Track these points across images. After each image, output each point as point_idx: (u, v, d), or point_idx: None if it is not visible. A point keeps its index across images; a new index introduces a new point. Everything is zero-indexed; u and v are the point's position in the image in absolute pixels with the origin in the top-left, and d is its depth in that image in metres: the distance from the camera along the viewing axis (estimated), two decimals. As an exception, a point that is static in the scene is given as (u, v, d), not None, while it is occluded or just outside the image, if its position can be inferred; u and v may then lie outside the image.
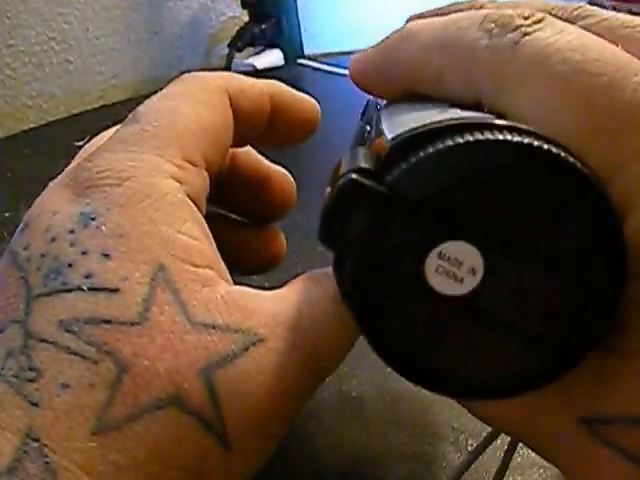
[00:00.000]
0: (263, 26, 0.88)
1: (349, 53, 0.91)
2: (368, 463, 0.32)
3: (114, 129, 0.28)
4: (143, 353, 0.21)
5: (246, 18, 0.90)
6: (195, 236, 0.24)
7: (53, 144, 0.79)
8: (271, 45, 0.91)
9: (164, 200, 0.24)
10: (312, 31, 0.98)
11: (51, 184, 0.26)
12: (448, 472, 0.32)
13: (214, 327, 0.23)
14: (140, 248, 0.23)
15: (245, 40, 0.88)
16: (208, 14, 0.99)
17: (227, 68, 0.88)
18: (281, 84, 0.31)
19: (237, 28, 0.90)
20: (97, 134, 0.30)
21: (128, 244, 0.23)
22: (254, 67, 0.88)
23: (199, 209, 0.26)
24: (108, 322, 0.22)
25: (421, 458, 0.32)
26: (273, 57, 0.90)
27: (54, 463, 0.20)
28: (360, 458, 0.33)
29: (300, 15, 0.93)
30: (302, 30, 0.94)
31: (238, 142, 0.30)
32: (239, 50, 0.88)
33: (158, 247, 0.23)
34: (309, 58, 0.92)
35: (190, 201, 0.25)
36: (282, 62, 0.91)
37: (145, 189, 0.24)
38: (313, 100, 0.32)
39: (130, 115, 0.27)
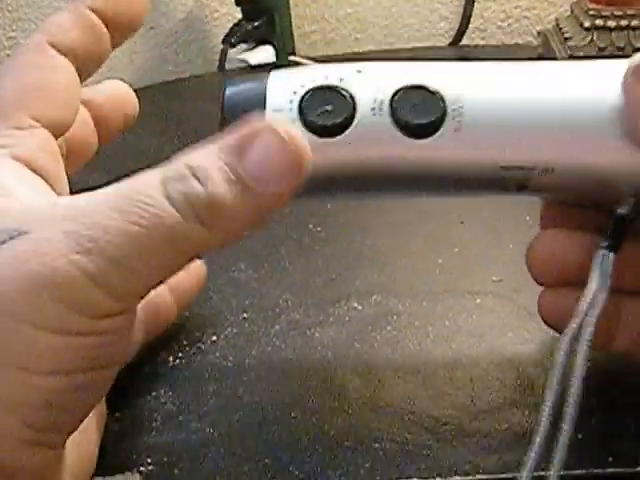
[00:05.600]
0: (256, 23, 0.88)
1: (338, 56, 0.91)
2: (349, 449, 0.32)
3: None
4: None
5: (239, 15, 0.90)
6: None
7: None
8: (263, 42, 0.90)
9: None
10: (303, 29, 0.97)
11: None
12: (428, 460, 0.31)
13: None
14: None
15: (238, 36, 0.87)
16: (203, 11, 0.98)
17: (221, 63, 0.87)
18: None
19: (231, 25, 0.89)
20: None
21: None
22: (247, 63, 0.87)
23: (34, 163, 0.27)
24: None
25: (401, 445, 0.32)
26: (265, 53, 0.90)
27: None
28: (341, 444, 0.32)
29: (292, 13, 0.93)
30: (293, 28, 0.93)
31: (93, 60, 0.32)
32: (232, 46, 0.87)
33: None
34: (300, 55, 0.91)
35: (12, 160, 0.27)
36: (274, 58, 0.90)
37: None
38: None
39: None
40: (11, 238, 0.23)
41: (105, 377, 0.26)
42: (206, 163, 0.25)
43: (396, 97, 0.29)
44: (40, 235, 0.23)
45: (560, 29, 0.67)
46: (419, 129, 0.29)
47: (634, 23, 0.63)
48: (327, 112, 0.29)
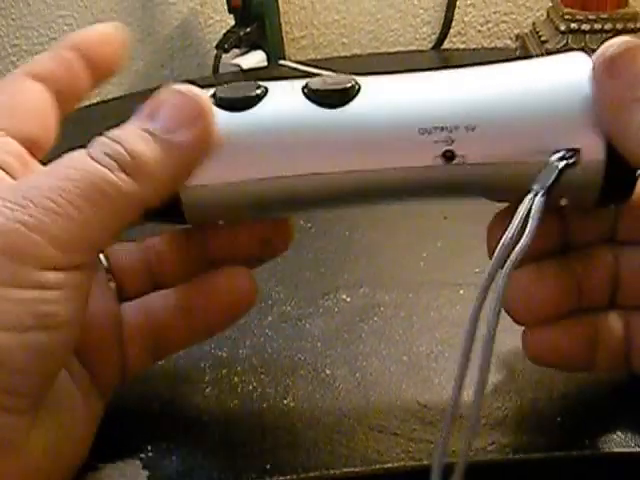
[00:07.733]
0: (248, 29, 0.88)
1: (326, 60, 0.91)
2: (340, 435, 0.32)
3: None
4: None
5: (232, 22, 0.90)
6: None
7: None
8: (255, 47, 0.91)
9: None
10: (293, 34, 0.98)
11: None
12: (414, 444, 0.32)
13: None
14: None
15: (231, 42, 0.87)
16: (197, 18, 0.99)
17: (215, 67, 0.87)
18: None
19: (224, 31, 0.90)
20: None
21: None
22: (240, 67, 0.87)
23: None
24: None
25: (389, 431, 0.32)
26: (257, 58, 0.90)
27: None
28: (333, 430, 0.33)
29: (282, 19, 0.93)
30: (283, 33, 0.93)
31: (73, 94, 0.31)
32: (226, 51, 0.87)
33: None
34: (290, 60, 0.91)
35: None
36: (265, 63, 0.90)
37: None
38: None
39: None
40: None
41: (59, 342, 0.25)
42: (123, 134, 0.27)
43: None
44: None
45: (537, 32, 0.68)
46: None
47: (607, 26, 0.63)
48: None
